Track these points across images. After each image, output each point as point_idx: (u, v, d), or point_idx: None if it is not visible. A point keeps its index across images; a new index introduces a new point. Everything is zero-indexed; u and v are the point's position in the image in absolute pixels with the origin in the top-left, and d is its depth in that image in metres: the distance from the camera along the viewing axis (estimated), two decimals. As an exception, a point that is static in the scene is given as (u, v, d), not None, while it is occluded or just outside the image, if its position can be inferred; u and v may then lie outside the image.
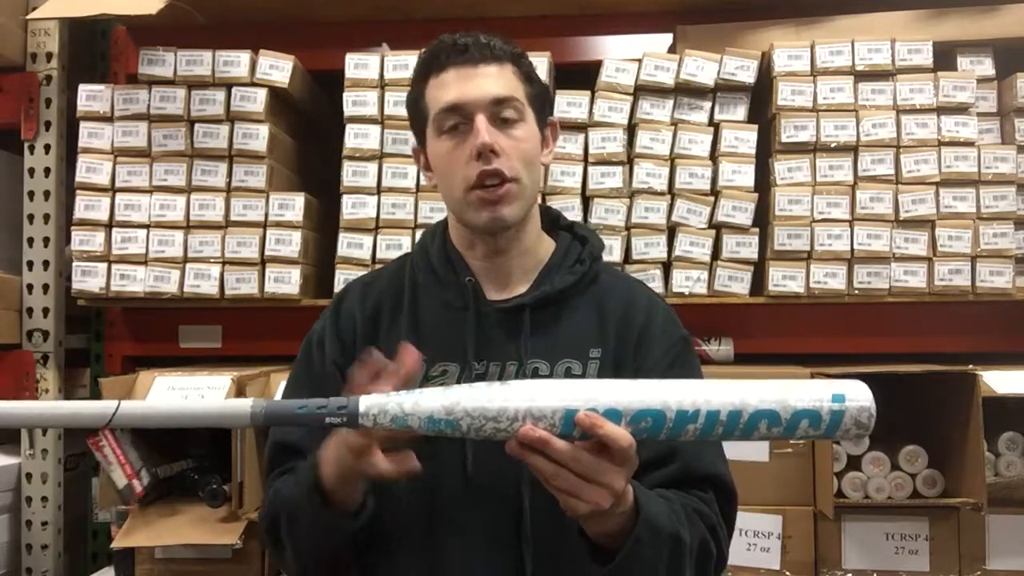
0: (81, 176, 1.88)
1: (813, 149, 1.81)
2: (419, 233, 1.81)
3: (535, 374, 1.01)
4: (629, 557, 0.84)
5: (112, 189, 1.88)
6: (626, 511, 0.84)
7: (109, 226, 1.87)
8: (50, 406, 0.79)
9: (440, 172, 1.05)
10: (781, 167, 1.81)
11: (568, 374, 1.01)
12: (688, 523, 0.92)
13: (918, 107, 1.81)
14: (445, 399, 0.78)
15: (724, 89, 1.86)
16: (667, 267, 1.83)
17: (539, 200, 1.16)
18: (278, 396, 1.69)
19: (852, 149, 1.81)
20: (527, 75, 1.05)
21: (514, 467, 0.80)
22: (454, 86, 1.00)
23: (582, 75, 1.91)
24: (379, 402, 0.79)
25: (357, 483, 0.90)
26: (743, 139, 1.83)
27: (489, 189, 0.99)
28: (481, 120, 0.99)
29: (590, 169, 1.84)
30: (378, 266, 1.78)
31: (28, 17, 1.89)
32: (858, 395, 0.79)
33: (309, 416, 0.79)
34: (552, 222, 1.14)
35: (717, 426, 0.78)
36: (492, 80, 1.01)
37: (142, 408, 0.80)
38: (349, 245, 1.85)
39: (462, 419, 0.77)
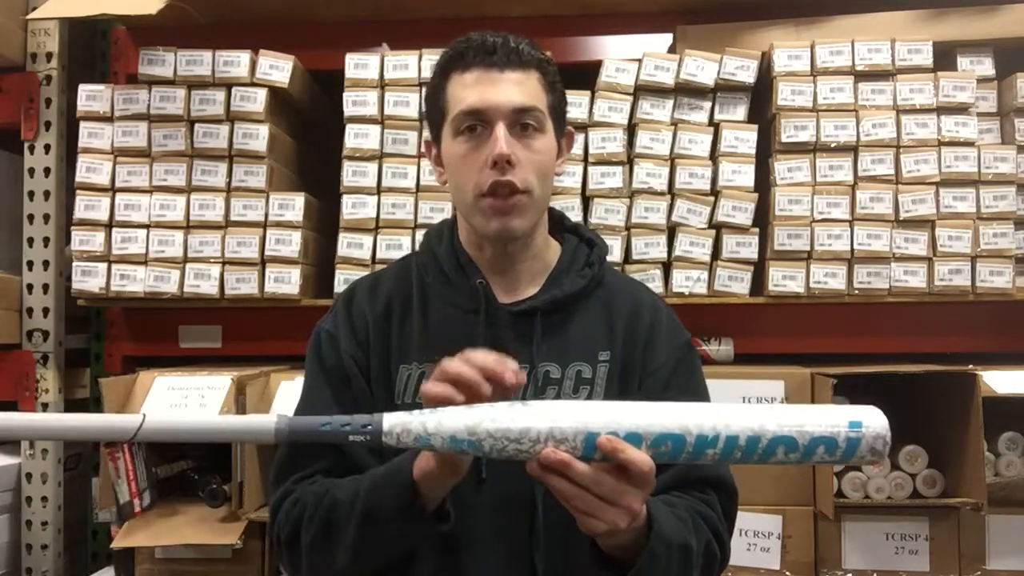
0: (81, 176, 1.88)
1: (813, 149, 1.81)
2: (419, 233, 1.82)
3: (547, 377, 1.01)
4: (642, 572, 0.85)
5: (112, 189, 1.88)
6: (639, 526, 0.85)
7: (109, 226, 1.87)
8: (76, 419, 0.79)
9: (453, 173, 1.04)
10: (781, 167, 1.81)
11: (579, 377, 1.02)
12: (694, 529, 0.93)
13: (918, 107, 1.81)
14: (468, 419, 0.78)
15: (724, 89, 1.85)
16: (667, 267, 1.83)
17: None
18: (280, 394, 1.70)
19: (852, 149, 1.81)
20: (551, 84, 1.03)
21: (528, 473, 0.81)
22: (477, 88, 0.98)
23: (582, 75, 1.91)
24: (402, 420, 0.79)
25: (449, 481, 0.88)
26: (743, 139, 1.83)
27: (499, 198, 0.98)
28: (501, 128, 0.97)
29: (590, 169, 1.84)
30: (378, 266, 1.78)
31: (28, 17, 1.89)
32: (874, 422, 0.79)
33: (333, 433, 0.79)
34: (556, 224, 1.13)
35: (736, 451, 0.79)
36: (516, 87, 0.99)
37: (166, 423, 0.81)
38: (349, 245, 1.85)
39: (484, 440, 0.78)
